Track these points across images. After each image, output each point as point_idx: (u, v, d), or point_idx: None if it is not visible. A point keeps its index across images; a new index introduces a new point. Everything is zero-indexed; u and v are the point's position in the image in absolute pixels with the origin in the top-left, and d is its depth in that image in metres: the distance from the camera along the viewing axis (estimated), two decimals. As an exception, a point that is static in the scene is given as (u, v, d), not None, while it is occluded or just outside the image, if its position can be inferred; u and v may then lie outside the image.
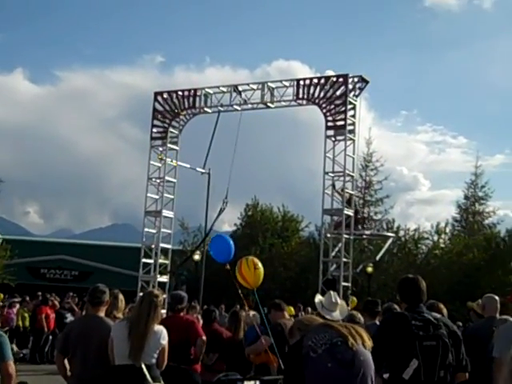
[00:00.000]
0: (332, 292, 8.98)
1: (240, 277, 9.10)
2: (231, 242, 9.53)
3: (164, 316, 9.99)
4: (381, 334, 5.83)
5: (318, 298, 8.99)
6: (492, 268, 37.99)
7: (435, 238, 43.54)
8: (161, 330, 6.55)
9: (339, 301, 9.32)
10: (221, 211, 23.68)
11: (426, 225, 50.27)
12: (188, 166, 26.97)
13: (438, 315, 5.88)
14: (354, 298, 21.83)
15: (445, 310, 7.99)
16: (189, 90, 25.22)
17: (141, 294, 20.40)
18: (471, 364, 5.85)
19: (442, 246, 43.14)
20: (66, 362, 6.90)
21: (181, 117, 25.45)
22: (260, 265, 9.10)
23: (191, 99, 24.94)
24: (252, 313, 10.21)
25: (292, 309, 20.86)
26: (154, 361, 6.44)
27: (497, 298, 8.74)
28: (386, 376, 5.69)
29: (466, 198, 45.90)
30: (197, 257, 34.74)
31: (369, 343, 4.97)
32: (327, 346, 4.71)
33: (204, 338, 8.67)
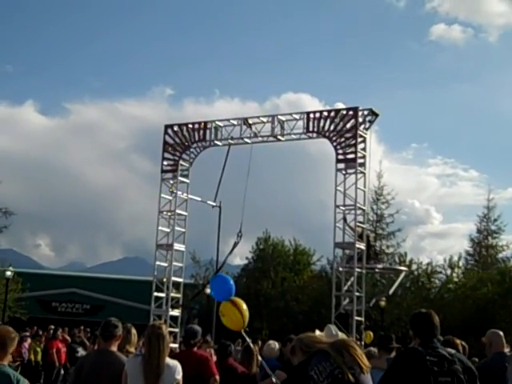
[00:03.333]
0: (331, 325, 8.88)
1: None
2: (231, 282, 9.37)
3: (177, 350, 9.93)
4: (394, 368, 5.77)
5: (318, 333, 8.90)
6: (507, 302, 37.71)
7: (448, 271, 43.32)
8: (175, 364, 6.52)
9: (339, 333, 9.24)
10: (235, 245, 23.58)
11: (439, 258, 50.25)
12: (199, 199, 26.98)
13: (453, 351, 5.78)
14: (371, 333, 21.64)
15: (461, 346, 7.90)
16: (199, 123, 25.29)
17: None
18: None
19: (456, 280, 42.87)
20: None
21: (191, 149, 25.49)
22: (223, 314, 8.39)
23: (201, 132, 25.00)
24: (273, 345, 10.10)
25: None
26: None
27: (501, 332, 8.64)
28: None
29: (479, 231, 45.71)
30: (208, 290, 34.63)
31: (366, 364, 4.99)
32: (329, 380, 4.79)
33: (217, 377, 8.52)
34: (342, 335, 9.31)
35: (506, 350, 8.44)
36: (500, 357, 8.19)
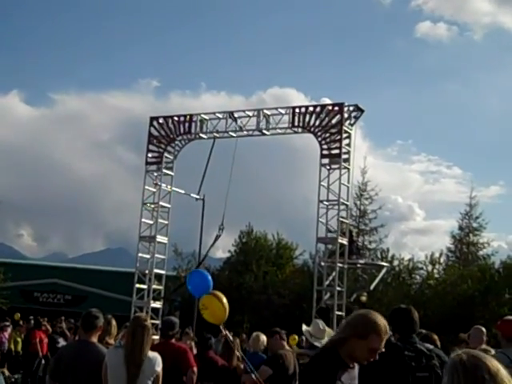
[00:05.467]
0: (318, 320, 8.94)
1: None
2: (209, 277, 9.37)
3: (156, 342, 9.92)
4: (373, 363, 5.82)
5: (305, 327, 8.96)
6: (486, 299, 37.99)
7: (429, 268, 43.54)
8: (156, 356, 6.57)
9: (326, 328, 9.32)
10: (217, 238, 23.71)
11: (420, 255, 50.49)
12: (183, 191, 26.97)
13: (431, 346, 5.89)
14: None
15: (438, 341, 7.99)
16: (185, 116, 25.30)
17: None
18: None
19: (437, 276, 43.11)
20: (57, 387, 6.87)
21: (176, 142, 25.50)
22: (205, 307, 8.39)
23: (187, 125, 25.00)
24: (259, 337, 10.10)
25: (296, 337, 20.73)
26: None
27: (483, 329, 8.76)
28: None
29: (461, 228, 45.93)
30: (190, 284, 34.67)
31: None
32: None
33: (195, 369, 8.53)
34: (329, 330, 9.43)
35: (483, 346, 8.54)
36: None
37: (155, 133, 25.44)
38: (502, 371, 2.48)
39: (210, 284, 8.96)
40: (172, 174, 25.69)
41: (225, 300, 8.15)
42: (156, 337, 12.81)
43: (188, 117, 25.14)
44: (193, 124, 24.91)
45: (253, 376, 8.47)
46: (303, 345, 18.57)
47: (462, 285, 39.42)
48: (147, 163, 25.50)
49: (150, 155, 25.47)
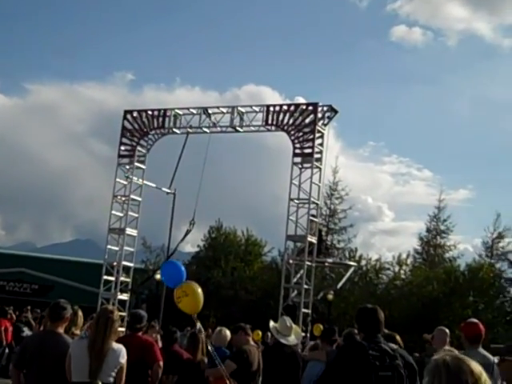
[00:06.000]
0: (285, 317, 9.04)
1: None
2: (182, 268, 9.42)
3: (122, 334, 9.95)
4: (337, 361, 5.91)
5: (272, 323, 9.06)
6: (450, 301, 38.48)
7: (396, 268, 43.99)
8: (120, 348, 6.57)
9: (293, 325, 9.43)
10: (187, 232, 23.74)
11: (388, 255, 50.95)
12: (154, 185, 27.00)
13: (395, 346, 5.92)
14: (320, 326, 21.84)
15: (401, 342, 8.11)
16: (158, 110, 25.28)
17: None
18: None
19: (403, 277, 43.56)
20: (21, 376, 6.88)
21: (149, 136, 25.48)
22: (185, 294, 8.29)
23: (160, 119, 24.98)
24: (223, 332, 10.11)
25: (260, 333, 20.86)
26: (111, 380, 6.45)
27: (447, 330, 8.89)
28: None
29: (428, 230, 46.46)
30: (158, 276, 34.62)
31: None
32: None
33: (161, 363, 8.51)
34: (295, 327, 9.56)
35: (446, 347, 8.65)
36: (436, 352, 8.42)
37: (129, 126, 25.38)
38: (485, 375, 2.50)
39: (184, 275, 9.03)
40: (144, 167, 25.66)
41: (200, 290, 8.24)
42: (122, 329, 12.87)
43: (162, 111, 25.13)
44: (166, 119, 24.89)
45: (220, 369, 8.55)
46: (268, 341, 18.71)
47: (428, 286, 39.86)
48: (119, 156, 25.43)
49: (122, 148, 25.42)
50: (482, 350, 6.94)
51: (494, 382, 6.43)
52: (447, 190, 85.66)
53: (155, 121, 25.03)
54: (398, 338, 8.07)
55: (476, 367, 2.48)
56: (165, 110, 25.12)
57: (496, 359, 7.87)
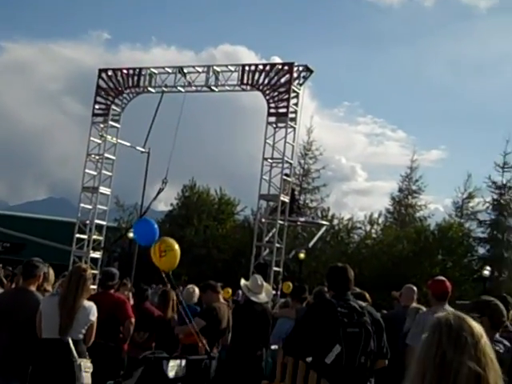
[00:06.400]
0: (257, 275, 9.16)
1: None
2: (155, 226, 9.50)
3: (94, 292, 10.04)
4: (307, 318, 6.05)
5: (243, 281, 9.20)
6: (420, 260, 39.09)
7: (368, 228, 44.50)
8: (91, 306, 6.61)
9: (264, 283, 9.59)
10: (160, 191, 23.79)
11: (360, 215, 51.35)
12: (128, 144, 26.93)
13: (364, 303, 6.06)
14: (290, 283, 22.12)
15: (370, 300, 8.27)
16: (134, 69, 25.04)
17: (73, 269, 20.33)
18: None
19: (374, 236, 44.10)
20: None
21: (124, 95, 25.26)
22: (171, 248, 8.62)
23: (135, 78, 24.77)
24: (192, 289, 10.15)
25: (230, 290, 21.08)
26: (81, 336, 6.51)
27: (415, 288, 9.08)
28: (308, 360, 5.88)
29: (400, 190, 46.95)
30: (131, 235, 34.76)
31: None
32: None
33: (133, 319, 8.63)
34: (266, 285, 9.69)
35: (414, 304, 8.81)
36: (404, 310, 8.62)
37: (103, 85, 25.15)
38: (485, 337, 2.47)
39: (157, 233, 9.13)
40: (118, 126, 25.51)
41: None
42: (94, 286, 12.96)
43: (137, 70, 24.89)
44: (141, 77, 24.68)
45: (190, 326, 8.67)
46: (239, 299, 18.94)
47: (398, 245, 40.46)
48: (94, 115, 25.25)
49: (97, 107, 25.23)
50: (448, 307, 7.04)
51: None
52: (420, 150, 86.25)
53: (130, 80, 24.82)
54: (367, 296, 8.22)
55: (477, 328, 2.47)
56: (140, 69, 24.90)
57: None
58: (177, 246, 8.63)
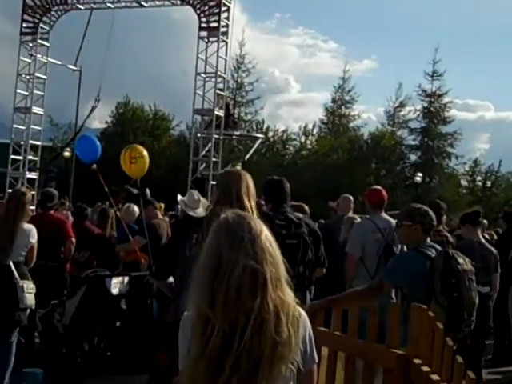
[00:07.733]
0: (193, 190, 9.45)
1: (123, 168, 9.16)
2: (97, 143, 9.58)
3: (33, 213, 10.13)
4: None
5: (180, 197, 9.50)
6: (354, 169, 39.93)
7: (302, 139, 45.03)
8: (30, 228, 6.59)
9: (201, 198, 9.87)
10: (92, 109, 23.72)
11: (295, 126, 51.49)
12: (59, 62, 26.50)
13: (301, 215, 6.16)
14: None
15: (308, 211, 8.48)
16: (61, -15, 24.45)
17: (9, 190, 20.30)
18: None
19: (309, 147, 44.68)
20: None
21: (52, 12, 24.66)
22: (141, 155, 9.11)
23: (63, -5, 24.21)
24: (132, 208, 10.17)
25: (163, 205, 21.31)
26: (22, 258, 6.50)
27: (351, 197, 9.31)
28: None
29: (334, 101, 47.31)
30: (67, 153, 34.54)
31: None
32: None
33: (73, 239, 8.70)
34: (203, 200, 9.92)
35: (350, 213, 8.86)
36: (340, 219, 8.76)
37: (30, 2, 24.42)
38: (268, 235, 2.44)
39: (99, 149, 9.24)
40: (48, 44, 24.97)
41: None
42: (33, 207, 13.04)
43: (65, -14, 24.30)
44: (70, -6, 24.13)
45: (131, 243, 8.88)
46: (178, 214, 19.24)
47: (333, 155, 41.14)
48: (22, 33, 24.61)
49: (24, 25, 24.58)
50: (384, 215, 7.16)
51: (396, 244, 6.86)
52: (352, 60, 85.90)
53: (58, -4, 24.22)
54: (306, 208, 8.32)
55: (256, 225, 2.43)
56: (68, -14, 24.31)
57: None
58: (146, 153, 8.85)
